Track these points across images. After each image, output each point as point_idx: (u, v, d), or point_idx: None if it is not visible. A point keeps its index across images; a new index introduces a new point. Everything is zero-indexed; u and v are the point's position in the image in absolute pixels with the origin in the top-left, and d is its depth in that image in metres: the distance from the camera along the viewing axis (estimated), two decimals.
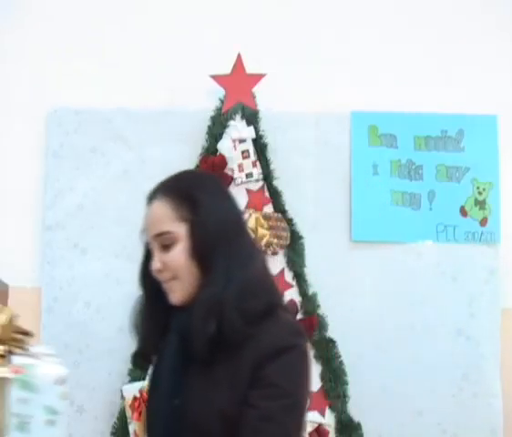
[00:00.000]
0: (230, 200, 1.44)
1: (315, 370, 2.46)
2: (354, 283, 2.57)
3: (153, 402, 1.42)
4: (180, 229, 1.35)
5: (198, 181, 1.45)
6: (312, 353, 2.47)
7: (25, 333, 1.31)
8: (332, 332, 2.49)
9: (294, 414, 1.28)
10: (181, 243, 1.35)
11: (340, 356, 2.49)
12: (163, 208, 1.38)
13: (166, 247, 1.36)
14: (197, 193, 1.38)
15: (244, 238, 1.41)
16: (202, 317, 1.29)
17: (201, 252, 1.34)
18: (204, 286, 1.33)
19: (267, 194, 2.52)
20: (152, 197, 1.42)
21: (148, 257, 1.43)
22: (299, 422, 1.31)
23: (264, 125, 2.52)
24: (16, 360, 1.19)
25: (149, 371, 1.51)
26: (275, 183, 2.52)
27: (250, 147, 2.49)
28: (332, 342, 2.49)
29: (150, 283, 1.42)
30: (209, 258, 1.34)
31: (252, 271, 1.35)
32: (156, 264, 1.37)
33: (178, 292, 1.37)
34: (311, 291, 2.50)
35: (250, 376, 1.27)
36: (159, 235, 1.37)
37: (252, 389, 1.27)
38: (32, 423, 1.15)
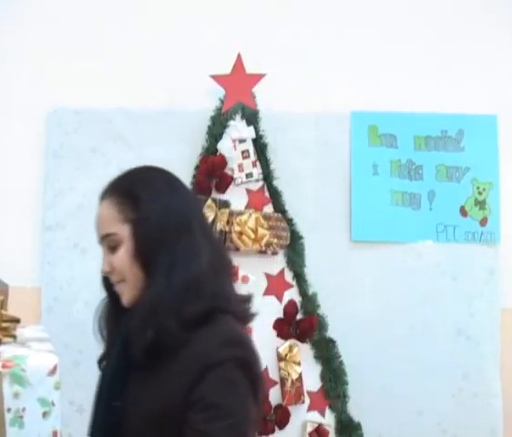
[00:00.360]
0: (177, 195, 1.36)
1: (315, 370, 2.47)
2: (354, 283, 2.57)
3: (96, 404, 1.38)
4: (124, 230, 1.31)
5: (142, 178, 1.37)
6: (311, 353, 2.48)
7: (14, 320, 1.30)
8: (332, 332, 2.49)
9: (239, 433, 1.21)
10: (125, 244, 1.31)
11: (340, 356, 2.49)
12: (109, 209, 1.34)
13: (112, 248, 1.33)
14: (139, 191, 1.33)
15: (191, 235, 1.31)
16: (141, 322, 1.25)
17: (144, 253, 1.29)
18: (146, 288, 1.29)
19: (267, 194, 2.52)
20: (101, 197, 1.38)
21: None
22: None
23: (264, 125, 2.52)
24: (7, 351, 1.18)
25: None
26: (275, 183, 2.52)
27: (250, 147, 2.49)
28: (332, 342, 2.49)
29: (110, 284, 1.39)
30: (151, 258, 1.29)
31: (196, 271, 1.28)
32: (104, 267, 1.35)
33: (126, 294, 1.33)
34: (311, 291, 2.50)
35: (183, 385, 1.22)
36: (105, 236, 1.33)
37: (193, 411, 1.21)
38: (27, 417, 1.14)
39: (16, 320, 1.30)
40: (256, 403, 1.28)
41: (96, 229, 1.38)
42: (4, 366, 1.14)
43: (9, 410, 1.13)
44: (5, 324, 1.26)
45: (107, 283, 1.40)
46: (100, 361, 1.47)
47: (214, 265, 1.33)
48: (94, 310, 1.44)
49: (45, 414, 1.15)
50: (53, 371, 1.16)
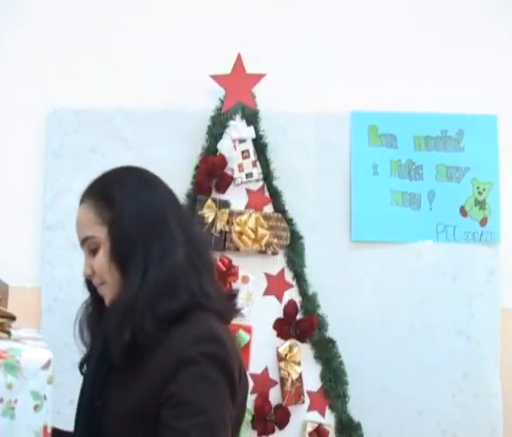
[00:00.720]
0: (152, 193, 1.35)
1: (315, 370, 2.47)
2: (354, 283, 2.57)
3: (79, 405, 1.39)
4: (101, 232, 1.32)
5: (117, 179, 1.37)
6: (311, 353, 2.48)
7: (8, 316, 1.30)
8: (332, 332, 2.49)
9: (211, 430, 1.19)
10: (103, 246, 1.31)
11: (340, 356, 2.49)
12: (86, 212, 1.36)
13: (93, 251, 1.34)
14: (113, 191, 1.33)
15: (167, 233, 1.30)
16: (117, 322, 1.25)
17: (119, 253, 1.29)
18: (122, 289, 1.29)
19: (267, 194, 2.52)
20: (80, 200, 1.39)
21: None
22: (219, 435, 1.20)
23: (264, 125, 2.52)
24: (2, 345, 1.19)
25: None
26: (275, 183, 2.52)
27: (250, 147, 2.49)
28: (332, 342, 2.49)
29: (92, 286, 1.39)
30: (127, 258, 1.29)
31: (169, 269, 1.27)
32: (85, 270, 1.36)
33: (108, 296, 1.33)
34: (311, 291, 2.50)
35: (157, 384, 1.22)
36: (85, 240, 1.35)
37: (165, 407, 1.20)
38: (18, 409, 1.14)
39: (12, 318, 1.30)
40: (234, 403, 1.26)
41: (76, 233, 1.40)
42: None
43: (1, 400, 1.13)
44: (1, 320, 1.27)
45: (91, 286, 1.40)
46: (81, 365, 1.49)
47: (193, 261, 1.32)
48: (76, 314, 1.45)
49: (36, 407, 1.15)
50: (47, 365, 1.16)
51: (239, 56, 2.50)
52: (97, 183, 1.39)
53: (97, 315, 1.41)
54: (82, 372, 1.47)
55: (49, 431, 1.17)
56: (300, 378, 2.42)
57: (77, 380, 2.39)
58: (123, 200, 1.31)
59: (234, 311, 1.40)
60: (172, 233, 1.31)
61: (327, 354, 2.47)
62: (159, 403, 1.21)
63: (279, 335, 2.46)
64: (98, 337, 1.39)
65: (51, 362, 1.17)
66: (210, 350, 1.23)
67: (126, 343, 1.24)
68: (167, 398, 1.20)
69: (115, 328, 1.25)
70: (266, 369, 2.43)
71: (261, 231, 2.42)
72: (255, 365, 2.44)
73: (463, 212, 2.61)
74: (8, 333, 1.27)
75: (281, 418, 2.40)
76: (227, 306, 1.39)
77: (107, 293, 1.33)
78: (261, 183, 2.51)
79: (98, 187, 1.38)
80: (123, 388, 1.27)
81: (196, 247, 1.35)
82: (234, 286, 2.40)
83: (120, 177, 1.37)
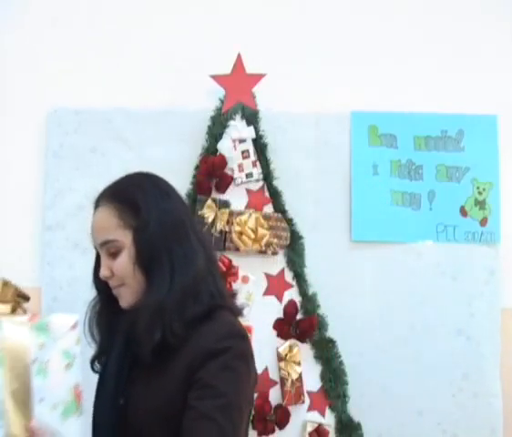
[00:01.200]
0: (170, 200, 1.42)
1: (315, 370, 2.47)
2: (354, 283, 2.57)
3: (99, 402, 1.42)
4: (125, 237, 1.35)
5: (137, 184, 1.42)
6: (311, 353, 2.48)
7: (25, 297, 1.36)
8: (332, 332, 2.49)
9: (229, 413, 1.27)
10: (127, 250, 1.35)
11: (340, 356, 2.49)
12: (108, 216, 1.38)
13: (112, 254, 1.37)
14: (138, 198, 1.37)
15: (187, 239, 1.38)
16: (147, 324, 1.30)
17: (145, 258, 1.34)
18: (148, 292, 1.34)
19: (267, 194, 2.52)
20: (97, 203, 1.42)
21: (98, 260, 1.43)
22: (235, 422, 1.29)
23: (264, 125, 2.52)
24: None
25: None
26: (275, 183, 2.52)
27: (250, 147, 2.49)
28: (332, 342, 2.49)
29: (103, 286, 1.43)
30: (152, 263, 1.34)
31: (193, 275, 1.35)
32: (103, 272, 1.38)
33: (126, 298, 1.38)
34: (311, 291, 2.50)
35: (184, 378, 1.29)
36: (105, 243, 1.37)
37: (190, 391, 1.28)
38: (50, 368, 1.19)
39: (27, 298, 1.37)
40: (251, 398, 1.38)
41: (93, 235, 1.41)
42: (31, 319, 1.21)
43: (35, 360, 1.19)
44: (17, 298, 1.32)
45: (100, 285, 1.44)
46: (93, 361, 1.51)
47: (208, 265, 1.40)
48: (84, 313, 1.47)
49: (67, 366, 1.22)
50: (74, 327, 1.24)
51: (239, 56, 2.50)
52: (117, 187, 1.43)
53: (105, 314, 1.46)
54: (94, 369, 1.50)
55: (81, 389, 1.24)
56: (300, 378, 2.42)
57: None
58: (147, 207, 1.37)
59: (241, 308, 1.48)
60: (191, 239, 1.39)
61: (327, 354, 2.47)
62: (186, 390, 1.28)
63: (279, 335, 2.46)
64: (110, 336, 1.44)
65: (78, 324, 1.25)
66: (235, 345, 1.33)
67: (156, 344, 1.30)
68: (194, 382, 1.28)
69: (145, 329, 1.31)
70: (266, 369, 2.43)
71: (261, 231, 2.42)
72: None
73: (463, 212, 2.61)
74: (24, 311, 1.33)
75: (281, 418, 2.40)
76: (235, 303, 1.48)
77: (126, 295, 1.38)
78: (261, 183, 2.51)
79: (119, 191, 1.41)
80: (149, 385, 1.32)
81: (209, 250, 1.44)
82: (234, 286, 2.40)
83: (140, 183, 1.42)
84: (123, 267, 1.35)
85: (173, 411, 1.28)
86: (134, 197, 1.38)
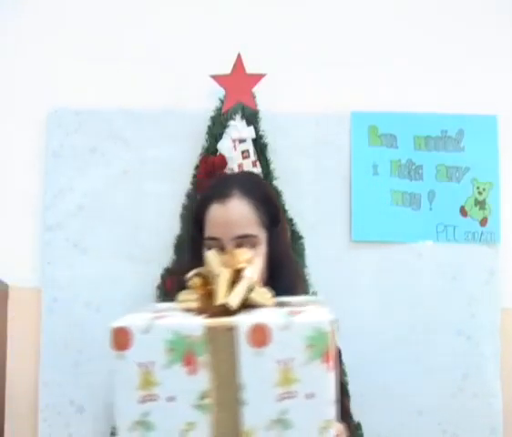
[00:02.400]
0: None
1: None
2: (354, 283, 2.57)
3: None
4: (262, 235, 1.36)
5: (270, 186, 1.45)
6: None
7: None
8: None
9: None
10: (261, 248, 1.36)
11: (340, 355, 2.48)
12: (247, 210, 1.36)
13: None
14: (275, 201, 1.42)
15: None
16: None
17: (275, 261, 1.37)
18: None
19: None
20: (229, 194, 1.36)
21: (197, 252, 1.36)
22: None
23: (264, 125, 2.52)
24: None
25: None
26: (275, 183, 2.51)
27: (250, 147, 2.49)
28: None
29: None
30: (279, 267, 1.37)
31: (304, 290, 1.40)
32: None
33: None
34: (311, 291, 2.49)
35: None
36: (242, 237, 1.34)
37: None
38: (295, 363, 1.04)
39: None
40: None
41: (224, 226, 1.35)
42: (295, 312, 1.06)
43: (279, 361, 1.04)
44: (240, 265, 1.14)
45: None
46: None
47: None
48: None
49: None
50: (334, 324, 1.08)
51: (239, 56, 2.50)
52: (252, 184, 1.42)
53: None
54: None
55: None
56: None
57: (78, 379, 2.39)
58: (282, 213, 1.43)
59: None
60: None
61: None
62: None
63: None
64: None
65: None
66: None
67: None
68: None
69: None
70: None
71: None
72: None
73: (463, 212, 2.61)
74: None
75: None
76: None
77: None
78: None
79: (256, 189, 1.41)
80: None
81: None
82: None
83: (271, 186, 1.47)
84: (257, 262, 1.32)
85: None
86: (272, 199, 1.41)
